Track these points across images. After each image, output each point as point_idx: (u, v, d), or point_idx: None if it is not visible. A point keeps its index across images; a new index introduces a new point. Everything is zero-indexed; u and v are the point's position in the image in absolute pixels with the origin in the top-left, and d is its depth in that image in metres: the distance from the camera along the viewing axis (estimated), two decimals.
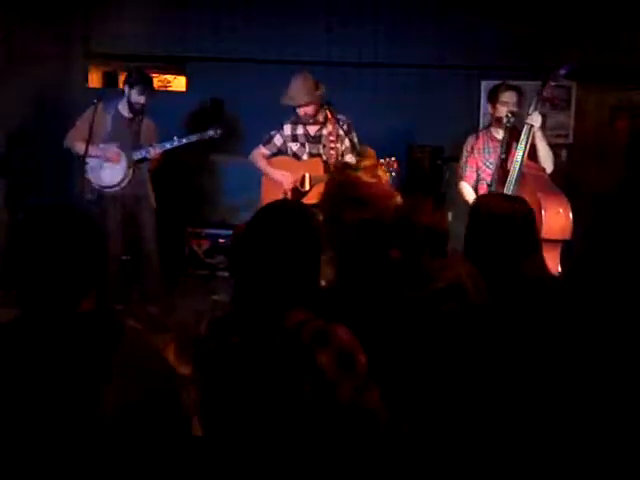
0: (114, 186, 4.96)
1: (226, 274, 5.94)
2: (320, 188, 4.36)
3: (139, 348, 1.55)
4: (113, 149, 4.96)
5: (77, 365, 1.47)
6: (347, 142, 4.40)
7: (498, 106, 4.32)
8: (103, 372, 1.47)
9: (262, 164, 4.76)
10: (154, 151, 4.98)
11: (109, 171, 4.96)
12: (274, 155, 4.74)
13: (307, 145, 4.61)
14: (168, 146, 4.99)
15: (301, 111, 4.50)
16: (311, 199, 4.41)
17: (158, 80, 7.29)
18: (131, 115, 5.02)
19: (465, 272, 1.97)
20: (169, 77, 7.60)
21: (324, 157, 4.50)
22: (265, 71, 6.31)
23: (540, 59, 5.79)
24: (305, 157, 4.63)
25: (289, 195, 4.60)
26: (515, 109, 4.26)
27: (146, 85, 4.97)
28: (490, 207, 2.33)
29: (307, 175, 4.51)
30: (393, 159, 4.14)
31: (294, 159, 4.67)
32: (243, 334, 1.67)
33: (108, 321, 1.55)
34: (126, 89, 4.97)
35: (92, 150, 4.87)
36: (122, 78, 6.78)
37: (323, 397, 1.58)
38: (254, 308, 1.69)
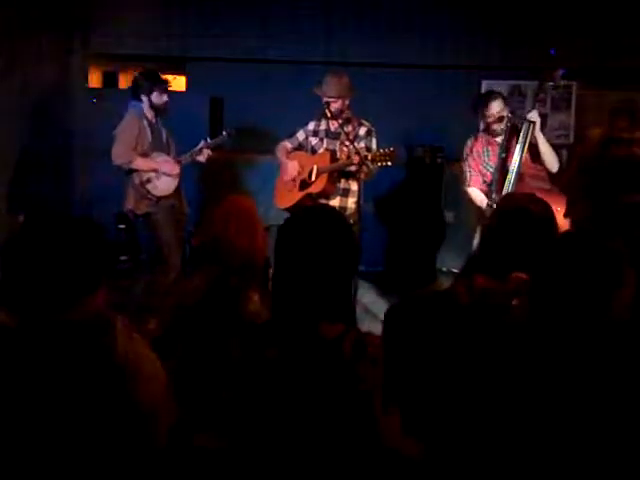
0: (170, 195, 4.87)
1: None
2: (324, 178, 4.53)
3: (131, 353, 1.55)
4: (166, 159, 4.88)
5: (65, 372, 1.48)
6: (362, 144, 4.47)
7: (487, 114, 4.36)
8: (94, 377, 1.48)
9: (280, 154, 4.85)
10: (203, 156, 4.98)
11: (164, 179, 4.85)
12: (295, 149, 4.84)
13: (325, 140, 4.70)
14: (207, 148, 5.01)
15: (330, 105, 4.52)
16: (314, 189, 4.59)
17: None
18: (155, 119, 4.92)
19: None
20: (169, 77, 7.57)
21: (338, 154, 4.58)
22: (265, 71, 6.32)
23: (540, 59, 5.78)
24: (321, 151, 4.71)
25: (297, 185, 4.70)
26: (505, 113, 4.32)
27: (163, 82, 4.92)
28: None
29: (315, 167, 4.61)
30: (392, 149, 4.13)
31: (307, 154, 4.77)
32: (281, 347, 1.64)
33: (100, 328, 1.54)
34: (144, 97, 4.82)
35: (150, 163, 4.80)
36: (124, 79, 6.81)
37: (363, 406, 1.58)
38: (291, 321, 1.66)
